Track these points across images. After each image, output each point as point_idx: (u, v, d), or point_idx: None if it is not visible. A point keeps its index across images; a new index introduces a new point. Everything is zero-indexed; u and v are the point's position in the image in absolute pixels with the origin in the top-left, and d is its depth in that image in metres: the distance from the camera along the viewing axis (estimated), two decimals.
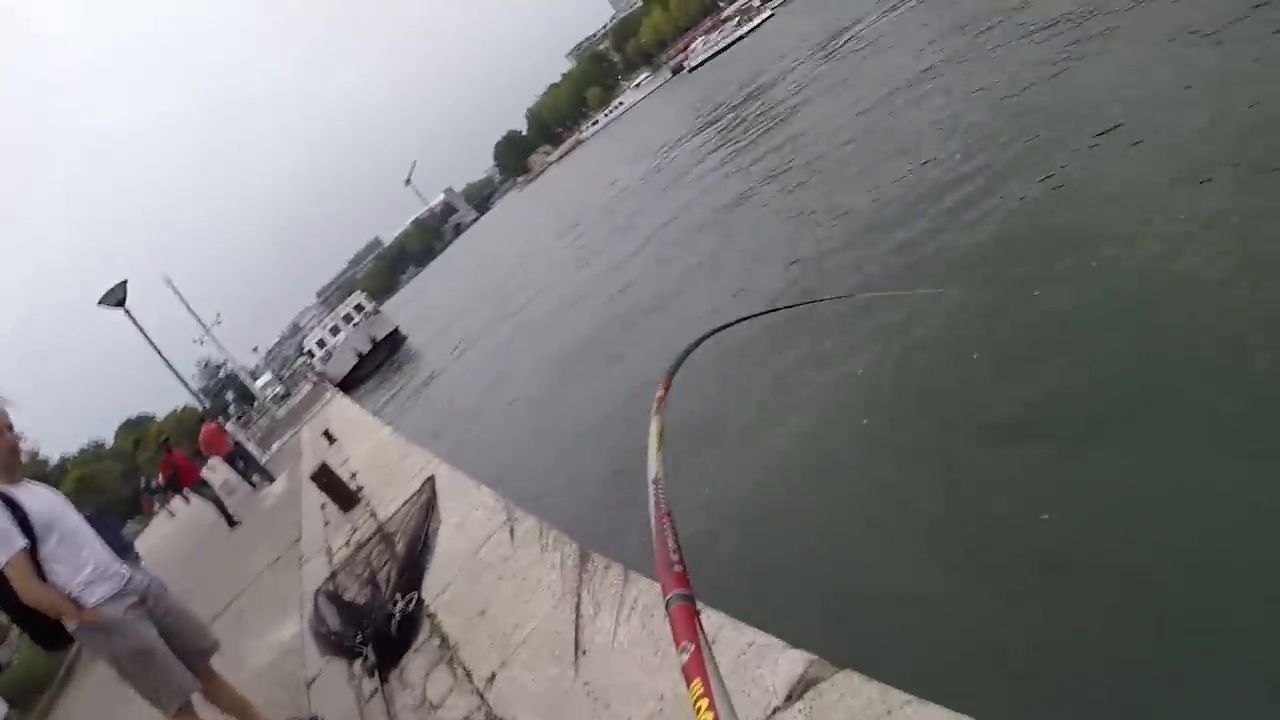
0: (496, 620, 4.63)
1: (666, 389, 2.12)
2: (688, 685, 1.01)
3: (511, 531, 5.45)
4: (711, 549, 6.77)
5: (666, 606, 1.16)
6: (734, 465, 8.02)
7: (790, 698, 2.61)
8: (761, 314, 4.47)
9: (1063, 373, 5.48)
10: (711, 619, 3.19)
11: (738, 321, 3.28)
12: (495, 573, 5.13)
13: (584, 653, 3.72)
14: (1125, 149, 7.91)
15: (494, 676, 4.17)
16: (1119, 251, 6.09)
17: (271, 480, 19.94)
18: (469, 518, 6.31)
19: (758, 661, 2.83)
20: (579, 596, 4.12)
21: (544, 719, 3.56)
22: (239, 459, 21.53)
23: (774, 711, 2.61)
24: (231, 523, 17.22)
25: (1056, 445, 4.97)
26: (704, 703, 0.97)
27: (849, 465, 6.36)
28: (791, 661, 2.73)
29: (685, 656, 1.05)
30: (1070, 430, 5.04)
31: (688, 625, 1.10)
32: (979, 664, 4.03)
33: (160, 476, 20.79)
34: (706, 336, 2.79)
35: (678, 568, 1.24)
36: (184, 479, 19.55)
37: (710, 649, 1.06)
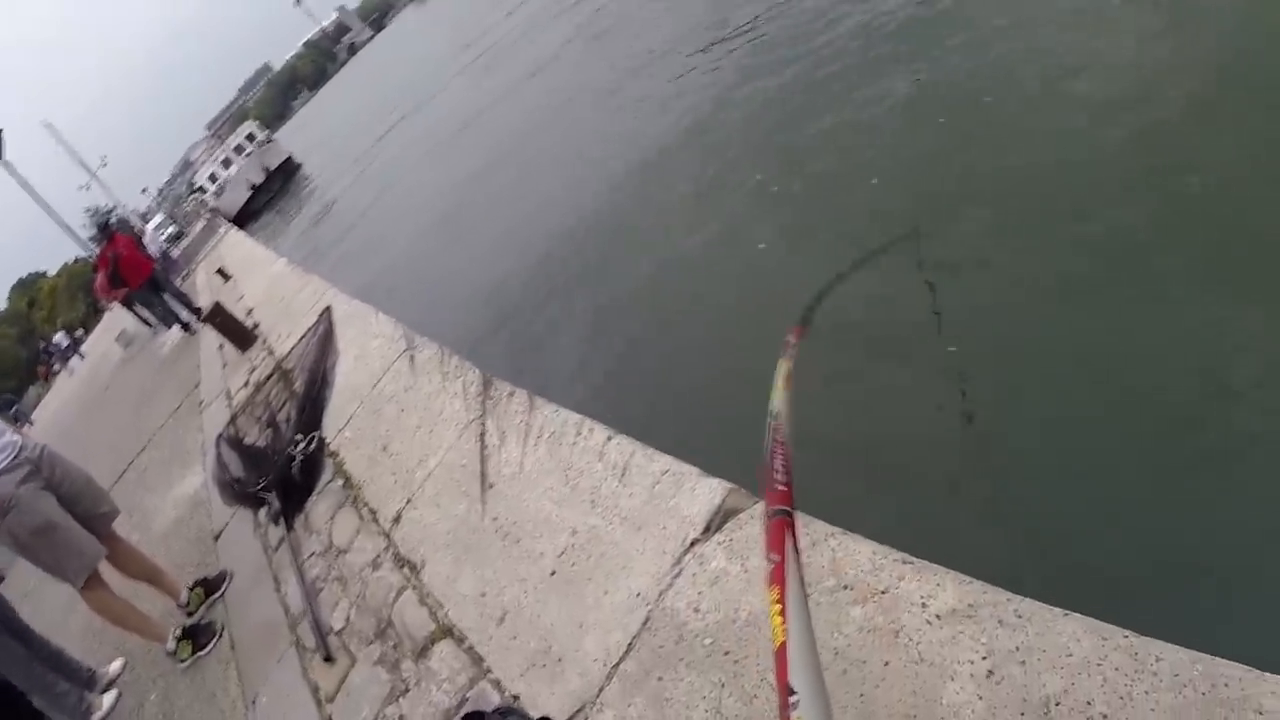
0: (400, 455, 4.40)
1: (799, 335, 2.12)
2: (767, 590, 1.05)
3: (412, 360, 5.15)
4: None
5: (767, 519, 1.22)
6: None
7: (708, 529, 2.43)
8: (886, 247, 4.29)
9: None
10: (622, 445, 2.98)
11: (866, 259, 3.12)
12: (397, 405, 4.86)
13: (491, 486, 3.51)
14: None
15: (400, 516, 3.98)
16: None
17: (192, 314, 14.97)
18: (368, 348, 5.99)
19: (673, 490, 2.63)
20: (483, 426, 3.88)
21: (453, 558, 3.38)
22: (158, 289, 15.18)
23: (691, 544, 2.42)
24: (188, 328, 14.85)
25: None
26: (777, 608, 1.01)
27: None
28: (709, 490, 2.53)
29: (770, 566, 1.10)
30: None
31: (779, 537, 1.15)
32: (906, 503, 3.95)
33: (98, 275, 14.72)
34: (833, 284, 2.67)
35: (781, 487, 1.30)
36: (128, 276, 14.15)
37: (800, 565, 1.10)
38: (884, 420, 4.69)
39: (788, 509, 1.24)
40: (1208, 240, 4.40)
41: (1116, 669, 1.55)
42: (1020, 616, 1.73)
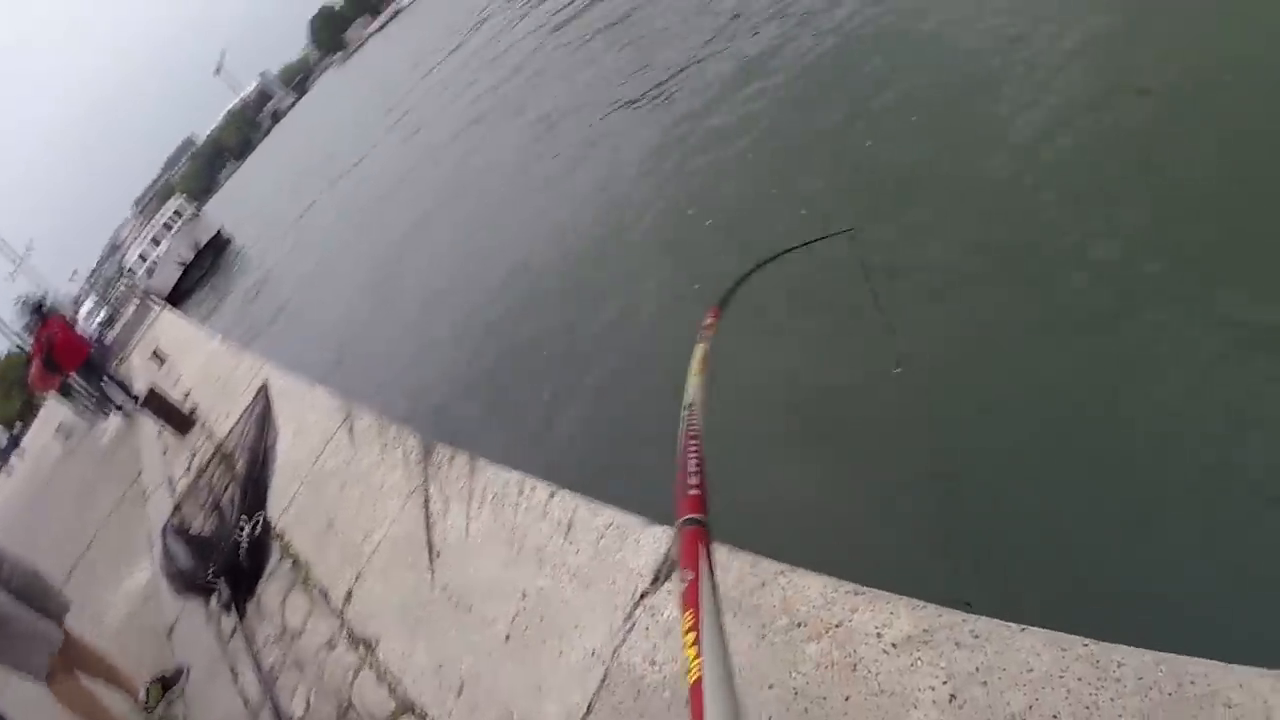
0: (346, 531, 4.31)
1: (716, 317, 2.05)
2: (681, 614, 0.91)
3: (351, 431, 5.06)
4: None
5: (677, 530, 1.10)
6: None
7: (657, 579, 2.38)
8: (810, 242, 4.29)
9: None
10: (565, 501, 2.92)
11: (789, 250, 3.11)
12: (339, 479, 4.77)
13: (438, 554, 3.43)
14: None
15: (351, 593, 3.88)
16: None
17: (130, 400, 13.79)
18: (306, 422, 5.88)
19: (618, 544, 2.57)
20: (427, 493, 3.81)
21: (407, 632, 3.29)
22: (95, 374, 14.55)
23: (641, 596, 2.37)
24: (122, 409, 14.31)
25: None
26: (691, 637, 0.87)
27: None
28: (654, 539, 2.48)
29: (684, 585, 0.97)
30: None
31: (691, 550, 1.03)
32: (849, 534, 3.92)
33: (31, 360, 13.98)
34: (757, 267, 2.62)
35: (694, 491, 1.18)
36: (64, 359, 13.40)
37: (715, 583, 0.97)
38: (818, 447, 4.68)
39: (700, 517, 1.13)
40: (1153, 242, 4.45)
41: (1079, 679, 1.53)
42: (977, 636, 1.70)
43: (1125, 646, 1.53)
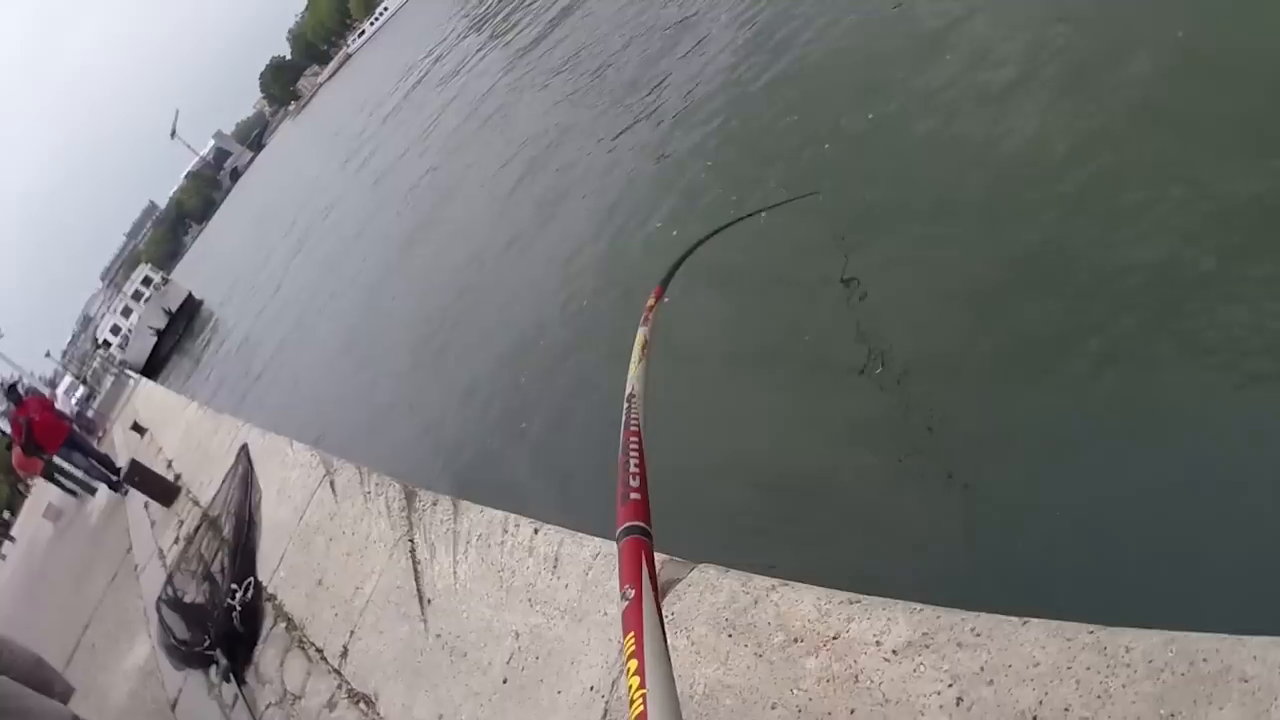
0: (336, 587, 4.25)
1: (658, 298, 1.98)
2: (623, 637, 0.79)
3: (332, 486, 5.00)
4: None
5: (618, 539, 1.00)
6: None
7: None
8: (743, 218, 4.27)
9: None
10: (550, 535, 2.86)
11: (718, 230, 3.10)
12: (325, 535, 4.71)
13: (429, 602, 3.38)
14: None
15: (346, 650, 3.83)
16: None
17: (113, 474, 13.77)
18: (288, 480, 5.82)
19: (607, 574, 2.52)
20: (412, 541, 3.76)
21: (405, 685, 3.24)
22: (79, 451, 14.25)
23: None
24: (117, 487, 13.25)
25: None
26: (634, 665, 0.75)
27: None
28: None
29: (625, 603, 0.86)
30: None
31: (634, 564, 0.92)
32: (838, 541, 3.87)
33: (12, 445, 13.63)
34: (697, 245, 2.57)
35: (635, 495, 1.07)
36: (44, 440, 13.14)
37: (657, 601, 0.86)
38: (795, 450, 4.63)
39: (644, 525, 1.03)
40: (1130, 198, 4.45)
41: (1088, 669, 1.48)
42: (979, 635, 1.65)
43: (1132, 629, 1.48)
